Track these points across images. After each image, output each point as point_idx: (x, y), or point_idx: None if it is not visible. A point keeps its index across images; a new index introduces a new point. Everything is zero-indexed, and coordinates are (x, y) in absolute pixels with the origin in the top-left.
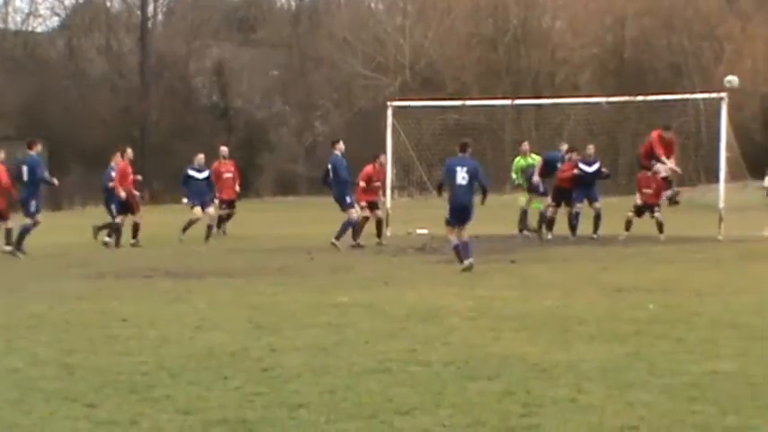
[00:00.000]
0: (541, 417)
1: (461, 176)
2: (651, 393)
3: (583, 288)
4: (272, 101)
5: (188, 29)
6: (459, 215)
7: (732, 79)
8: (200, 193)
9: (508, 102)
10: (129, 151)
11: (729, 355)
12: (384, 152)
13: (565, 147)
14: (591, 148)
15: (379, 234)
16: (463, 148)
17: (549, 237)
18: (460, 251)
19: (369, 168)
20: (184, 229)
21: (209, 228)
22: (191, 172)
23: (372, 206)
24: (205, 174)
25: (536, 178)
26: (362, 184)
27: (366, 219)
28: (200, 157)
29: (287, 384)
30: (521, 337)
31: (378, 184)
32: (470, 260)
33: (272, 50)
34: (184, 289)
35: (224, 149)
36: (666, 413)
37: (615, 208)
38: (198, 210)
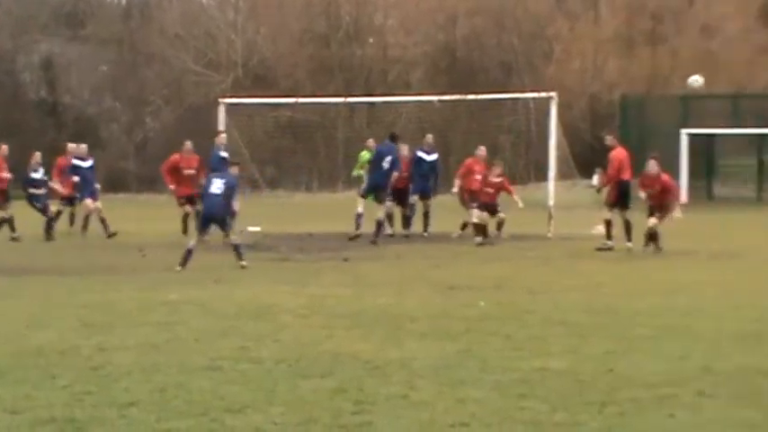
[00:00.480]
0: (373, 414)
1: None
2: (482, 390)
3: (415, 286)
4: (101, 97)
5: (14, 23)
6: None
7: (697, 79)
8: (88, 183)
9: (341, 99)
10: (5, 147)
11: (558, 352)
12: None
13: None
14: (430, 137)
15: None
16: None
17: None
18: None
19: (174, 156)
20: (85, 226)
21: (86, 219)
22: (75, 161)
23: (190, 201)
24: (90, 162)
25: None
26: (168, 176)
27: (187, 215)
28: (37, 155)
29: (117, 383)
30: (353, 335)
31: (190, 172)
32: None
33: (101, 46)
34: (16, 286)
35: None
36: (497, 410)
37: (448, 207)
38: (88, 201)
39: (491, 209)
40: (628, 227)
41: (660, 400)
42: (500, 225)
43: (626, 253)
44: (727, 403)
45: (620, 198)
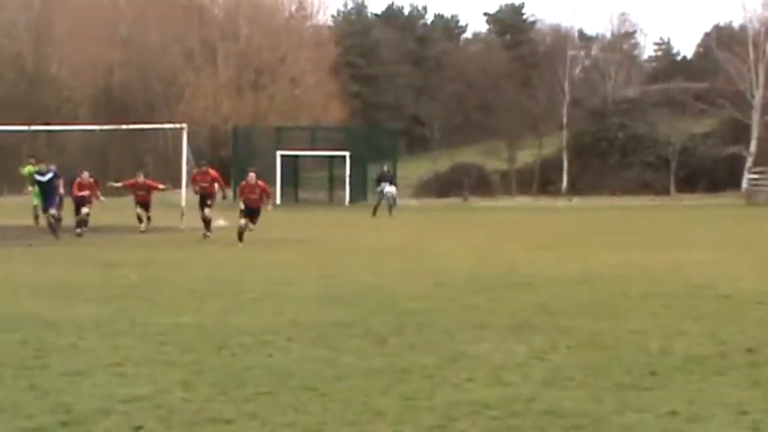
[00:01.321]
0: (51, 358)
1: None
2: (132, 339)
3: (82, 264)
4: None
5: None
6: None
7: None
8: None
9: (26, 127)
10: None
11: (188, 311)
12: None
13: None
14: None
15: None
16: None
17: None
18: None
19: None
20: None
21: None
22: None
23: None
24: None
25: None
26: None
27: None
28: None
29: None
30: (35, 300)
31: None
32: None
33: None
34: None
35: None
36: (143, 353)
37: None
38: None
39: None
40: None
41: (262, 344)
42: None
43: (234, 241)
44: (308, 345)
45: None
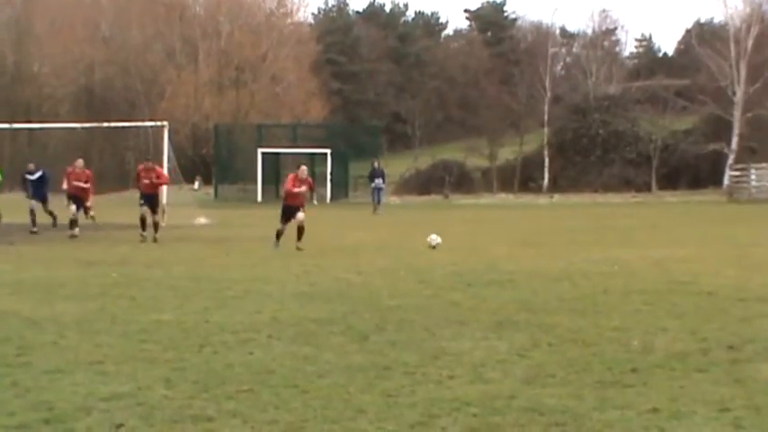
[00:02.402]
0: (32, 356)
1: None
2: (113, 337)
3: (63, 263)
4: None
5: None
6: None
7: (435, 239)
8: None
9: (7, 125)
10: None
11: (169, 308)
12: None
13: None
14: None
15: None
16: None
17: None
18: None
19: None
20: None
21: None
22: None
23: None
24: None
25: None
26: None
27: None
28: None
29: None
30: (15, 298)
31: None
32: None
33: None
34: None
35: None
36: (124, 351)
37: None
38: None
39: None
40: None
41: (243, 342)
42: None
43: (217, 239)
44: (289, 343)
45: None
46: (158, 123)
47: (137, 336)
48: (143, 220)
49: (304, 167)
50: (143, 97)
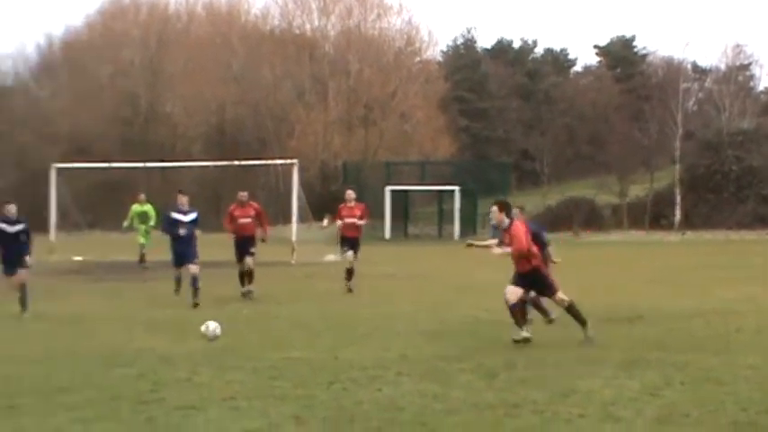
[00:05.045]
0: (166, 392)
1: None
2: (244, 374)
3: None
4: None
5: None
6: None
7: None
8: None
9: (141, 165)
10: None
11: (299, 345)
12: None
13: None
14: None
15: None
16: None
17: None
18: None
19: None
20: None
21: None
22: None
23: None
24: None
25: None
26: None
27: None
28: None
29: None
30: (150, 335)
31: None
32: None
33: None
34: None
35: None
36: (254, 387)
37: None
38: None
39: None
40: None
41: (372, 379)
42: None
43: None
44: (418, 380)
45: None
46: (288, 161)
47: (267, 372)
48: (248, 274)
49: (350, 192)
50: (273, 135)
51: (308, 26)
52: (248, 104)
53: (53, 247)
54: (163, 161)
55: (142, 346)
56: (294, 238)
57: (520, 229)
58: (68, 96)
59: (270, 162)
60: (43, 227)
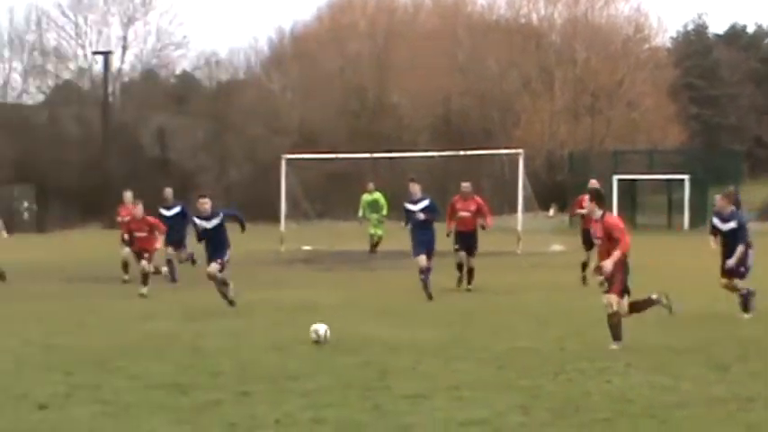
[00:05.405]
0: (392, 381)
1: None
2: (469, 363)
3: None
4: (198, 155)
5: (138, 102)
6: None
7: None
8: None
9: (368, 155)
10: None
11: (524, 335)
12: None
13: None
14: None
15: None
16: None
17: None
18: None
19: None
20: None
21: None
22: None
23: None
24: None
25: None
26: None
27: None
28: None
29: (210, 359)
30: (377, 323)
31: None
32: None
33: (198, 118)
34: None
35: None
36: (479, 377)
37: None
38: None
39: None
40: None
41: (600, 370)
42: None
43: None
44: (648, 372)
45: None
46: (513, 151)
47: (493, 362)
48: (468, 272)
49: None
50: (498, 125)
51: (534, 15)
52: (474, 95)
53: (283, 237)
54: (390, 152)
55: (370, 335)
56: (520, 228)
57: (619, 221)
58: (298, 89)
59: (495, 152)
60: (274, 217)
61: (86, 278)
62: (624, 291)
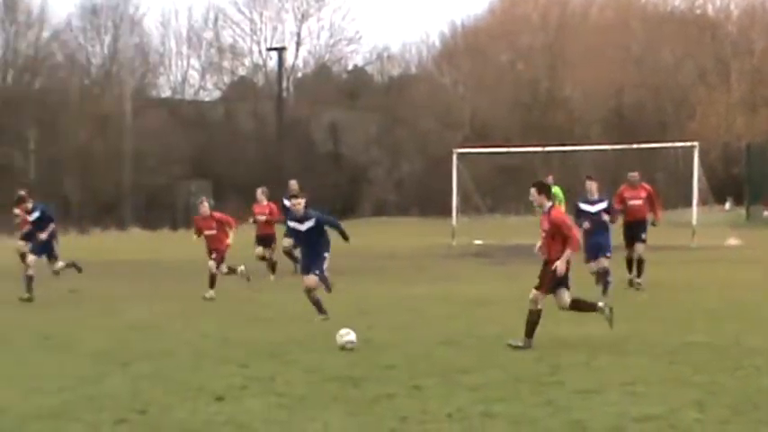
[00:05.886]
0: (564, 375)
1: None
2: (643, 358)
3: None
4: (370, 149)
5: (311, 98)
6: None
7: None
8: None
9: (540, 148)
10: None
11: (699, 330)
12: None
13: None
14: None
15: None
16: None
17: None
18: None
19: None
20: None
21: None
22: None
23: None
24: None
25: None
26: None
27: None
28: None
29: (381, 352)
30: (550, 318)
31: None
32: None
33: (370, 112)
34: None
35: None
36: (653, 372)
37: None
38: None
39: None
40: None
41: None
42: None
43: (748, 260)
44: None
45: None
46: (688, 144)
47: (667, 357)
48: (638, 263)
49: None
50: (673, 118)
51: (709, 6)
52: (648, 87)
53: (455, 231)
54: (562, 144)
55: (541, 329)
56: (695, 222)
57: (566, 217)
58: (470, 83)
59: (669, 145)
60: (445, 211)
61: (261, 273)
62: (562, 285)
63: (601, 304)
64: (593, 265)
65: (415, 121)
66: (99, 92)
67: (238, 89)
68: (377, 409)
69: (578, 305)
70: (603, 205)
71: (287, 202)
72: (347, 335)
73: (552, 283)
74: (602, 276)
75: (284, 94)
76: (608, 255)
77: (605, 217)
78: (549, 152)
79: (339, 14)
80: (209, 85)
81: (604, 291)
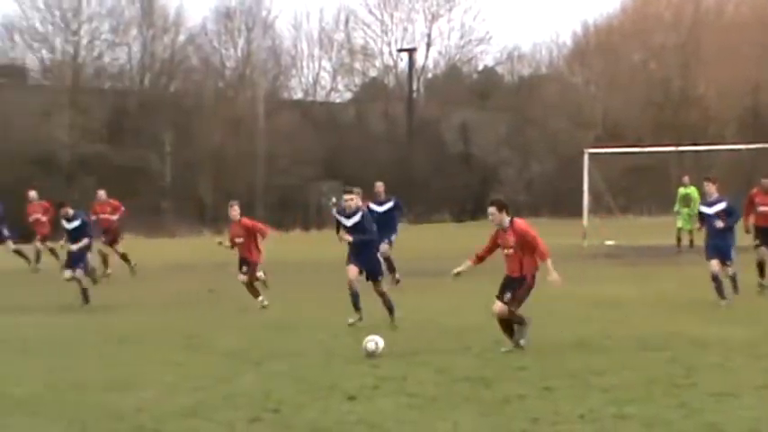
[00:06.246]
0: (698, 377)
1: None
2: None
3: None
4: (500, 149)
5: (441, 98)
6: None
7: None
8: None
9: (673, 148)
10: None
11: None
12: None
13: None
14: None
15: None
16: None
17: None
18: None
19: None
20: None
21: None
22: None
23: None
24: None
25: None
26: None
27: None
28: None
29: (512, 353)
30: (684, 319)
31: None
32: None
33: (500, 113)
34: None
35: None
36: None
37: None
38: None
39: None
40: None
41: None
42: None
43: None
44: None
45: None
46: None
47: None
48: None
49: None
50: None
51: None
52: None
53: (586, 232)
54: (695, 144)
55: (675, 330)
56: None
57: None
58: (601, 82)
59: None
60: (576, 211)
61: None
62: (499, 297)
63: (526, 319)
64: (716, 268)
65: (545, 121)
66: (233, 94)
67: (369, 90)
68: (508, 409)
69: (512, 317)
70: (722, 206)
71: (374, 206)
72: (370, 342)
73: (525, 297)
74: (732, 280)
75: (414, 94)
76: (727, 263)
77: (720, 224)
78: (681, 152)
79: (469, 15)
80: (341, 87)
81: (734, 288)
